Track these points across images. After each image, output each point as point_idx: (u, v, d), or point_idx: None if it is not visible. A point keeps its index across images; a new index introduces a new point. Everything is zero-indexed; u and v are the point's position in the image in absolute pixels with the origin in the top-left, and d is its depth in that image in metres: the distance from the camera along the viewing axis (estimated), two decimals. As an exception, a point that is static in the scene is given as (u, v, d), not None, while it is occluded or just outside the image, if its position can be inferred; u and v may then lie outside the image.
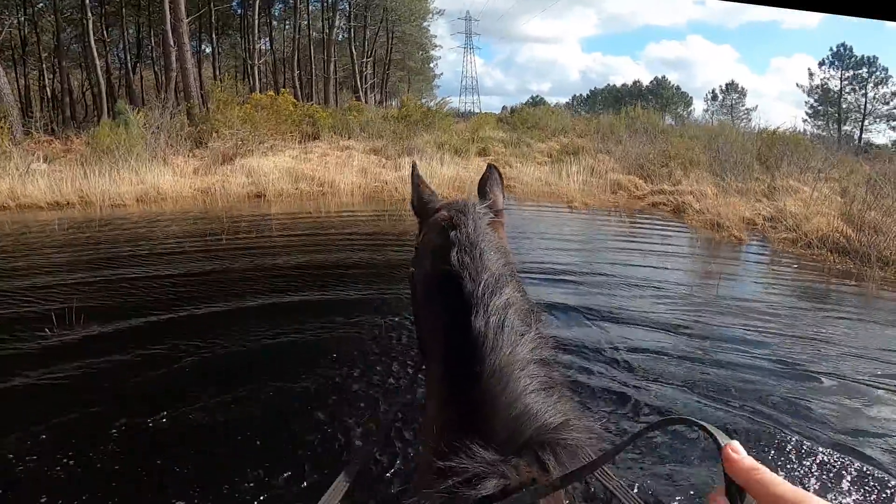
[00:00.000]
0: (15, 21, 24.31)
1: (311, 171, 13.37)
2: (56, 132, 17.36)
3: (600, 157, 16.98)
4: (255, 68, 26.69)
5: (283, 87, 25.74)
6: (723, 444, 0.55)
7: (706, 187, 12.46)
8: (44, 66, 26.65)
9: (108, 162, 12.21)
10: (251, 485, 2.55)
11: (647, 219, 11.14)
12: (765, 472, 0.52)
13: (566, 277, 6.18)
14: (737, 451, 0.54)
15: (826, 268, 7.56)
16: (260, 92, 21.04)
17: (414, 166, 1.35)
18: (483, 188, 1.23)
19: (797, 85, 42.94)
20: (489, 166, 1.28)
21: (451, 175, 13.62)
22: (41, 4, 25.33)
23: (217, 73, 27.09)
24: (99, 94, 21.37)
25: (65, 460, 2.70)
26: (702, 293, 5.94)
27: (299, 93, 27.69)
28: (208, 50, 30.74)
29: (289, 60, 31.20)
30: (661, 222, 10.69)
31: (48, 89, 26.82)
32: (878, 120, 39.94)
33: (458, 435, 0.73)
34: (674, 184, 13.51)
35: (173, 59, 19.86)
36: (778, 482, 0.51)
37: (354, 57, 31.40)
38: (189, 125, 16.68)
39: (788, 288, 6.55)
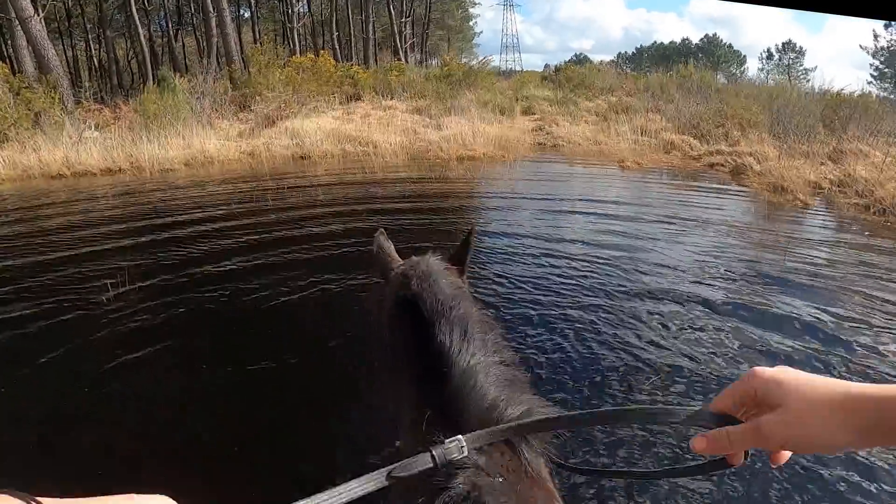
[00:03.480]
0: (59, -8, 24.52)
1: (355, 132, 13.20)
2: (105, 100, 17.59)
3: (651, 117, 16.19)
4: (295, 31, 26.42)
5: (323, 48, 25.37)
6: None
7: (767, 149, 11.69)
8: (89, 36, 27.00)
9: (156, 128, 12.31)
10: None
11: (705, 179, 10.54)
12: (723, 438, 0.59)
13: (619, 241, 5.87)
14: (697, 443, 0.61)
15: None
16: (300, 54, 20.83)
17: (378, 237, 1.35)
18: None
19: (861, 46, 39.22)
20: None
21: (496, 134, 13.23)
22: (84, -25, 25.47)
23: (257, 37, 26.95)
24: (143, 61, 21.47)
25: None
26: (768, 261, 5.53)
27: (339, 54, 27.30)
28: (247, 14, 30.58)
29: (327, 22, 30.79)
30: (720, 184, 10.08)
31: (95, 59, 27.26)
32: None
33: (436, 427, 0.81)
34: (731, 144, 12.76)
35: (213, 24, 19.80)
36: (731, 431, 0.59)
37: (393, 16, 30.64)
38: (232, 89, 16.66)
39: (860, 257, 5.89)
